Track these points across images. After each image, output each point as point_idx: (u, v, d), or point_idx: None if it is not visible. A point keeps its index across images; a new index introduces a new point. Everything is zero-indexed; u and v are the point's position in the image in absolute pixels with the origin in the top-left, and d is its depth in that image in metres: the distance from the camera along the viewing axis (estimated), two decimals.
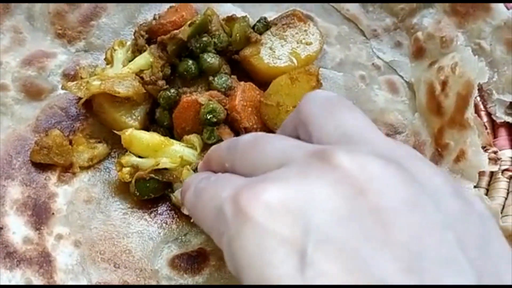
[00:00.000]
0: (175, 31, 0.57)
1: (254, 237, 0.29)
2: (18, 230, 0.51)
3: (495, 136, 0.61)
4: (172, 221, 0.54)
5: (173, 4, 0.65)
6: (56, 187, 0.55)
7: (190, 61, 0.57)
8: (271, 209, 0.29)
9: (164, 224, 0.54)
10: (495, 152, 0.58)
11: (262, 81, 0.59)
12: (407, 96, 0.65)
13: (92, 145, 0.58)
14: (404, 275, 0.27)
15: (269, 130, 0.57)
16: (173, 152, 0.52)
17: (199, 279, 0.51)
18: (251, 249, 0.29)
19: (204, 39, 0.58)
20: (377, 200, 0.28)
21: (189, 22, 0.57)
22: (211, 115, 0.54)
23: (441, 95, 0.59)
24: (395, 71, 0.66)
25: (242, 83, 0.58)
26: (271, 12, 0.67)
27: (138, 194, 0.54)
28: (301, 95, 0.55)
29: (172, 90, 0.56)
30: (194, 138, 0.54)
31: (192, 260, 0.52)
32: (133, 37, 0.62)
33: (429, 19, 0.65)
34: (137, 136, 0.52)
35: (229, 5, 0.66)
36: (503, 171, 0.57)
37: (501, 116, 0.61)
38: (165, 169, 0.53)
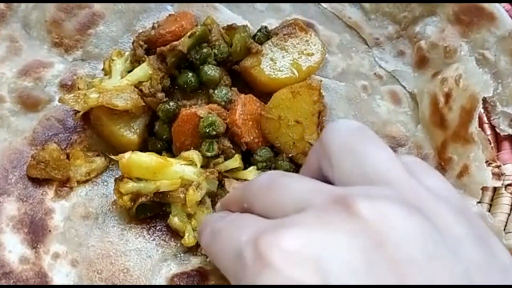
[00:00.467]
0: (175, 43, 0.56)
1: (273, 283, 0.29)
2: (14, 248, 0.50)
3: (498, 149, 0.60)
4: (171, 238, 0.54)
5: (172, 12, 0.64)
6: (53, 203, 0.54)
7: (190, 73, 0.56)
8: (290, 255, 0.29)
9: (162, 242, 0.53)
10: (498, 167, 0.57)
11: (263, 92, 0.58)
12: (410, 107, 0.64)
13: (90, 159, 0.57)
14: None
15: (270, 143, 0.56)
16: (173, 173, 0.51)
17: None
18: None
19: (204, 50, 0.57)
20: (395, 252, 0.28)
21: (189, 33, 0.56)
22: (210, 128, 0.53)
23: (444, 107, 0.59)
24: (398, 81, 0.65)
25: (242, 95, 0.57)
26: (271, 20, 0.66)
27: (136, 216, 0.53)
28: (303, 108, 0.54)
29: (172, 103, 0.55)
30: (193, 154, 0.53)
31: (192, 280, 0.51)
32: (131, 46, 0.61)
33: (432, 28, 0.64)
34: (135, 160, 0.51)
35: (229, 12, 0.65)
36: (506, 186, 0.56)
37: (505, 129, 0.60)
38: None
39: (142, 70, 0.57)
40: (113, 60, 0.60)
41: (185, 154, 0.53)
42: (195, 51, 0.56)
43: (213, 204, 0.54)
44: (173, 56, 0.56)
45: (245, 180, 0.54)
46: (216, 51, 0.58)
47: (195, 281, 0.51)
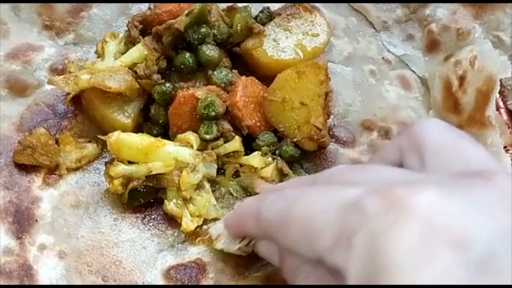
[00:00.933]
0: (171, 21, 0.53)
1: (412, 234, 0.27)
2: None
3: None
4: (168, 227, 0.50)
5: None
6: (41, 191, 0.51)
7: (188, 54, 0.53)
8: (435, 206, 0.27)
9: (158, 231, 0.50)
10: None
11: (265, 76, 0.55)
12: (420, 92, 0.62)
13: (81, 145, 0.53)
14: None
15: (273, 128, 0.52)
16: (166, 154, 0.48)
17: None
18: (406, 247, 0.27)
19: (203, 30, 0.53)
20: None
21: (186, 12, 0.53)
22: (209, 109, 0.49)
23: (458, 91, 0.56)
24: (407, 65, 0.63)
25: (243, 77, 0.53)
26: (274, 2, 0.63)
27: (129, 202, 0.50)
28: (308, 89, 0.51)
29: (168, 85, 0.52)
30: (190, 135, 0.49)
31: (189, 273, 0.47)
32: (126, 28, 0.57)
33: (443, 10, 0.62)
34: (124, 140, 0.48)
35: None
36: None
37: None
38: (159, 173, 0.48)
39: (137, 51, 0.54)
40: (106, 41, 0.57)
41: (181, 136, 0.49)
42: (193, 30, 0.53)
43: (213, 189, 0.51)
44: (170, 35, 0.53)
45: (250, 166, 0.50)
46: (215, 31, 0.54)
47: (192, 274, 0.47)
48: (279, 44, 0.55)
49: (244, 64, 0.56)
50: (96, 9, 0.62)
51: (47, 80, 0.54)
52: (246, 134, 0.51)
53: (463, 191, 0.29)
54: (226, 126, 0.51)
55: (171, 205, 0.48)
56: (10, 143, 0.52)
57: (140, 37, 0.55)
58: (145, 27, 0.56)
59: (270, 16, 0.57)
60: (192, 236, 0.49)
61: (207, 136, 0.50)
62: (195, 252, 0.49)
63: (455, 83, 0.56)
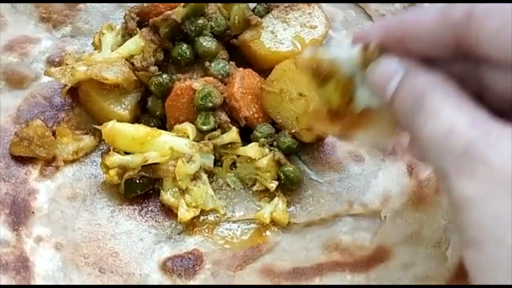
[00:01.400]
0: (169, 12, 0.52)
1: None
2: None
3: None
4: (165, 218, 0.50)
5: None
6: (37, 183, 0.50)
7: (185, 45, 0.53)
8: None
9: (155, 223, 0.49)
10: None
11: (263, 68, 0.54)
12: None
13: (78, 137, 0.53)
14: None
15: (270, 119, 0.52)
16: (162, 144, 0.48)
17: (193, 284, 0.46)
18: None
19: (200, 21, 0.53)
20: None
21: (183, 3, 0.53)
22: (206, 100, 0.49)
23: None
24: None
25: (241, 69, 0.53)
26: (271, 2, 0.62)
27: (126, 194, 0.49)
28: (307, 81, 0.50)
29: (165, 76, 0.52)
30: (186, 126, 0.49)
31: (186, 263, 0.47)
32: (123, 20, 0.57)
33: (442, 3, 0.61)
34: (120, 129, 0.47)
35: None
36: None
37: None
38: (155, 163, 0.48)
39: (134, 43, 0.54)
40: (103, 33, 0.56)
41: (178, 127, 0.49)
42: (190, 22, 0.53)
43: (211, 180, 0.51)
44: (167, 27, 0.52)
45: (247, 157, 0.50)
46: (212, 23, 0.54)
47: (189, 264, 0.47)
48: (277, 36, 0.55)
49: (242, 56, 0.56)
50: (93, 2, 0.61)
51: (44, 71, 0.53)
52: (244, 125, 0.51)
53: None
54: (223, 117, 0.50)
55: (167, 196, 0.48)
56: (7, 135, 0.52)
57: (137, 29, 0.55)
58: (142, 19, 0.55)
59: (268, 8, 0.57)
60: (189, 227, 0.49)
61: (204, 127, 0.49)
62: (192, 243, 0.49)
63: None
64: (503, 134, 0.30)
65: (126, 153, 0.49)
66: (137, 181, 0.49)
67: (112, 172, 0.48)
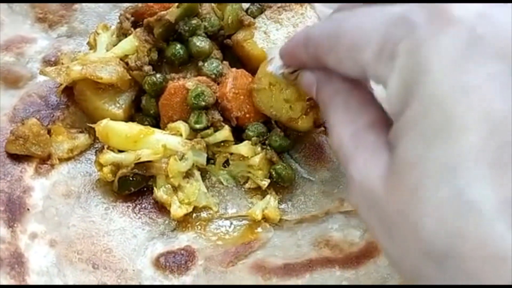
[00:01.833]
0: (163, 12, 0.53)
1: (457, 42, 0.27)
2: None
3: None
4: (158, 215, 0.50)
5: None
6: (33, 180, 0.51)
7: (179, 45, 0.53)
8: (484, 19, 0.27)
9: (148, 220, 0.50)
10: None
11: (256, 68, 0.55)
12: None
13: (73, 135, 0.53)
14: None
15: (262, 119, 0.53)
16: (155, 142, 0.48)
17: (185, 280, 0.47)
18: (449, 53, 0.26)
19: (194, 21, 0.54)
20: None
21: (177, 4, 0.53)
22: (199, 99, 0.50)
23: None
24: None
25: (234, 69, 0.54)
26: (267, 2, 0.63)
27: (119, 191, 0.50)
28: None
29: (158, 75, 0.52)
30: (179, 124, 0.50)
31: (178, 259, 0.48)
32: (118, 21, 0.58)
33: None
34: (113, 127, 0.48)
35: None
36: None
37: None
38: (148, 161, 0.49)
39: (128, 43, 0.54)
40: (98, 33, 0.57)
41: (171, 125, 0.50)
42: (184, 22, 0.54)
43: (204, 178, 0.51)
44: (161, 27, 0.53)
45: (239, 155, 0.51)
46: (206, 23, 0.55)
47: (182, 260, 0.47)
48: (270, 36, 0.55)
49: (235, 56, 0.57)
50: (89, 2, 0.62)
51: (39, 71, 0.54)
52: (235, 125, 0.52)
53: None
54: (216, 116, 0.51)
55: (160, 193, 0.49)
56: (3, 134, 0.53)
57: (132, 29, 0.55)
58: (137, 19, 0.56)
59: (261, 9, 0.58)
60: (182, 224, 0.50)
61: (197, 126, 0.50)
62: (184, 239, 0.49)
63: None
64: (372, 150, 0.31)
65: (120, 151, 0.49)
66: (131, 179, 0.50)
67: (106, 169, 0.48)
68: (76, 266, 0.47)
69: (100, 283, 0.45)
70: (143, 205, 0.51)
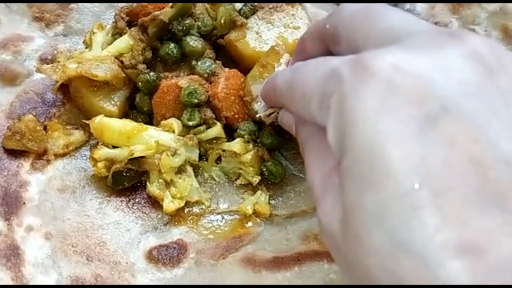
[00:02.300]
0: (157, 12, 0.54)
1: (375, 93, 0.28)
2: None
3: None
4: (151, 210, 0.52)
5: None
6: (29, 175, 0.52)
7: (172, 44, 0.55)
8: (398, 69, 0.29)
9: (142, 214, 0.51)
10: None
11: (248, 67, 0.56)
12: None
13: (68, 132, 0.55)
14: None
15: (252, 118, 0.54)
16: (148, 138, 0.50)
17: (177, 273, 0.48)
18: (369, 104, 0.28)
19: (187, 21, 0.55)
20: (508, 83, 0.29)
21: (171, 4, 0.55)
22: (192, 96, 0.51)
23: None
24: None
25: (226, 69, 0.55)
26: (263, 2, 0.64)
27: (113, 186, 0.51)
28: None
29: (152, 74, 0.54)
30: (172, 121, 0.51)
31: (171, 252, 0.49)
32: (113, 20, 0.59)
33: (422, 5, 0.63)
34: (107, 124, 0.49)
35: None
36: None
37: None
38: (142, 157, 0.50)
39: (123, 42, 0.56)
40: (94, 32, 0.58)
41: (164, 122, 0.51)
42: (178, 22, 0.55)
43: (196, 174, 0.53)
44: (155, 26, 0.54)
45: (231, 152, 0.52)
46: (199, 23, 0.56)
47: (174, 253, 0.49)
48: (262, 36, 0.57)
49: (229, 57, 0.58)
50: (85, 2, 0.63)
51: (36, 68, 0.55)
52: (224, 124, 0.53)
53: (431, 52, 0.30)
54: (209, 113, 0.52)
55: (153, 187, 0.50)
56: (0, 130, 0.54)
57: (127, 28, 0.56)
58: (132, 19, 0.57)
59: (254, 10, 0.59)
60: (175, 218, 0.51)
61: (190, 123, 0.51)
62: (177, 233, 0.50)
63: None
64: (337, 193, 0.32)
65: (114, 147, 0.51)
66: (125, 174, 0.51)
67: (100, 164, 0.50)
68: (70, 258, 0.48)
69: (94, 275, 0.47)
70: (137, 200, 0.52)
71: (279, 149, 0.55)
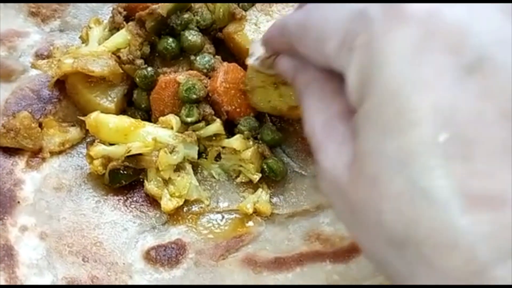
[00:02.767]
0: (154, 6, 0.53)
1: (408, 37, 0.28)
2: None
3: None
4: (149, 209, 0.50)
5: None
6: (24, 173, 0.51)
7: (170, 39, 0.53)
8: (434, 15, 0.28)
9: (139, 213, 0.50)
10: None
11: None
12: None
13: (64, 129, 0.53)
14: None
15: (255, 112, 0.52)
16: (145, 134, 0.48)
17: (175, 273, 0.47)
18: (402, 48, 0.28)
19: (186, 15, 0.54)
20: None
21: None
22: (190, 92, 0.50)
23: None
24: None
25: (225, 63, 0.54)
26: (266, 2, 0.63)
27: (110, 184, 0.50)
28: None
29: (149, 69, 0.52)
30: (171, 117, 0.50)
31: (169, 253, 0.48)
32: (110, 15, 0.58)
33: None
34: (103, 120, 0.48)
35: None
36: None
37: None
38: (139, 154, 0.49)
39: (121, 36, 0.54)
40: (90, 27, 0.57)
41: (163, 118, 0.50)
42: (176, 16, 0.54)
43: (196, 172, 0.51)
44: (153, 20, 0.53)
45: (231, 148, 0.51)
46: (198, 17, 0.55)
47: (173, 254, 0.47)
48: (260, 28, 0.55)
49: (228, 51, 0.57)
50: None
51: (31, 64, 0.54)
52: (226, 119, 0.52)
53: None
54: (208, 109, 0.51)
55: (151, 185, 0.49)
56: None
57: (124, 23, 0.55)
58: (129, 14, 0.56)
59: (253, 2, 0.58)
60: (173, 217, 0.50)
61: (188, 119, 0.50)
62: (175, 233, 0.49)
63: None
64: (342, 139, 0.32)
65: (111, 144, 0.49)
66: (122, 172, 0.49)
67: (97, 162, 0.48)
68: (66, 259, 0.47)
69: (90, 277, 0.45)
70: (134, 199, 0.51)
71: (281, 145, 0.54)
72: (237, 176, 0.52)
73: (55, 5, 0.62)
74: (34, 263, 0.46)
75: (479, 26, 0.28)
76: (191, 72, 0.52)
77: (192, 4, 0.55)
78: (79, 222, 0.49)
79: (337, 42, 0.31)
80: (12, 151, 0.52)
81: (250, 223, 0.50)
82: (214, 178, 0.52)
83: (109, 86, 0.53)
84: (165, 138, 0.49)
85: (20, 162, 0.52)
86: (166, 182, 0.49)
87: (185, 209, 0.50)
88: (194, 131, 0.51)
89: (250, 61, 0.47)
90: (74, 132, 0.53)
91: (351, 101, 0.31)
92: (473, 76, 0.27)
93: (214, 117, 0.51)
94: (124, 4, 0.56)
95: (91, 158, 0.49)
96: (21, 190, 0.50)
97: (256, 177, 0.51)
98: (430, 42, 0.28)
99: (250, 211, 0.50)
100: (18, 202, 0.49)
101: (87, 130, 0.52)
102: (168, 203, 0.49)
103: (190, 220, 0.50)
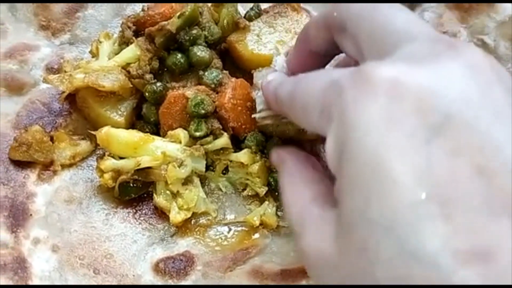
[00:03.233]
0: (164, 22, 0.54)
1: (377, 103, 0.29)
2: None
3: None
4: (158, 221, 0.51)
5: None
6: (35, 186, 0.52)
7: (179, 54, 0.55)
8: (399, 80, 0.29)
9: (149, 225, 0.51)
10: None
11: (247, 69, 0.56)
12: None
13: (75, 142, 0.55)
14: None
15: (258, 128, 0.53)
16: (154, 148, 0.50)
17: (184, 285, 0.48)
18: (371, 115, 0.28)
19: (194, 31, 0.55)
20: (507, 93, 0.29)
21: (178, 14, 0.55)
22: (199, 107, 0.51)
23: None
24: None
25: (233, 79, 0.55)
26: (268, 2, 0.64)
27: (120, 197, 0.51)
28: None
29: (159, 84, 0.54)
30: (179, 132, 0.51)
31: (178, 265, 0.49)
32: (120, 29, 0.59)
33: (430, 14, 0.63)
34: (114, 134, 0.49)
35: None
36: None
37: None
38: (148, 168, 0.50)
39: (130, 51, 0.55)
40: (100, 42, 0.58)
41: (171, 132, 0.51)
42: (185, 32, 0.55)
43: (203, 184, 0.52)
44: (162, 36, 0.54)
45: (239, 162, 0.52)
46: (206, 33, 0.56)
47: (181, 266, 0.49)
48: (262, 39, 0.57)
49: (234, 63, 0.58)
50: (91, 10, 0.63)
51: (43, 78, 0.55)
52: (231, 135, 0.53)
53: (430, 62, 0.30)
54: (216, 124, 0.52)
55: (159, 199, 0.50)
56: (6, 140, 0.54)
57: (134, 37, 0.56)
58: (138, 28, 0.57)
59: (259, 14, 0.59)
60: (182, 229, 0.51)
61: (197, 134, 0.51)
62: (184, 245, 0.50)
63: None
64: (319, 222, 0.33)
65: (121, 158, 0.50)
66: (131, 185, 0.51)
67: (107, 175, 0.50)
68: (77, 271, 0.48)
69: None
70: (143, 211, 0.52)
71: None
72: (244, 189, 0.53)
73: (65, 19, 0.63)
74: (46, 275, 0.47)
75: (443, 87, 0.29)
76: (199, 87, 0.53)
77: (200, 19, 0.56)
78: (90, 234, 0.50)
79: (317, 112, 0.33)
80: (24, 164, 0.53)
81: (257, 235, 0.51)
82: (221, 191, 0.54)
83: (119, 100, 0.54)
84: (174, 152, 0.50)
85: (32, 175, 0.53)
86: (175, 195, 0.50)
87: (193, 221, 0.51)
88: (202, 145, 0.52)
89: (255, 115, 0.48)
90: (84, 145, 0.55)
91: (330, 167, 0.32)
92: (442, 135, 0.27)
93: (222, 132, 0.52)
94: (133, 19, 0.57)
95: (101, 172, 0.50)
96: (33, 203, 0.51)
97: (263, 190, 0.52)
98: (397, 106, 0.28)
99: (257, 223, 0.51)
100: (31, 215, 0.50)
101: (97, 144, 0.53)
102: (177, 215, 0.50)
103: (198, 232, 0.51)
